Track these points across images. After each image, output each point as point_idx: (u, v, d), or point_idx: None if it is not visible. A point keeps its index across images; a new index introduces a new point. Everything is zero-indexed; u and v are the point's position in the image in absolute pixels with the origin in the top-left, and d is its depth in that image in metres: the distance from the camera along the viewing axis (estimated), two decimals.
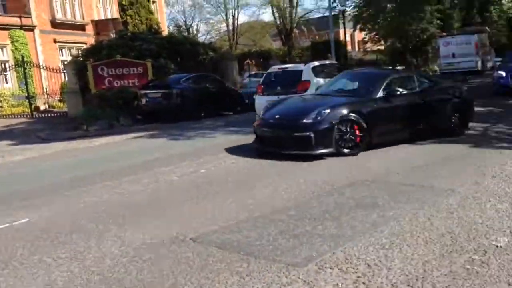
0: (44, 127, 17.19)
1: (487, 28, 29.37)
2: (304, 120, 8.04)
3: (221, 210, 5.50)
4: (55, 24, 29.55)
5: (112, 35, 26.90)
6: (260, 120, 8.98)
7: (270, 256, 4.10)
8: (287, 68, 14.37)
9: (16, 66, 24.21)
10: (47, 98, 25.01)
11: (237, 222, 5.06)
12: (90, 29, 32.02)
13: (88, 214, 5.63)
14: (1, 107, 22.52)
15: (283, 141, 8.20)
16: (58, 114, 21.21)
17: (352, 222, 4.86)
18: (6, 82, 25.68)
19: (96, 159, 9.36)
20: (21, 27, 27.12)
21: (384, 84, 8.82)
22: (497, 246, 4.07)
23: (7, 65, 25.51)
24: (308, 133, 7.87)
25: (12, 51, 26.43)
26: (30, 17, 27.85)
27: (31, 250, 4.56)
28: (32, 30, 27.99)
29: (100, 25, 32.23)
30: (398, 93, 8.93)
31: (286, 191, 6.18)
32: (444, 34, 26.01)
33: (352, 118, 8.04)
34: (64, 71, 21.75)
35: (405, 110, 8.81)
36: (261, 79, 14.59)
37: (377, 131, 8.37)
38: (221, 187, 6.57)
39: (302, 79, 12.79)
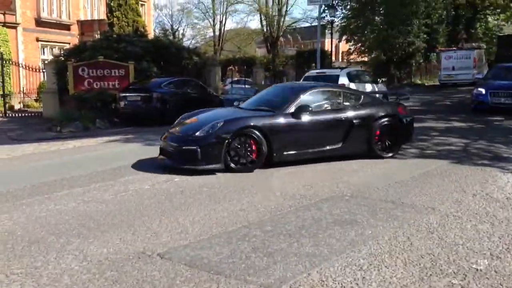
0: (16, 127, 16.69)
1: (484, 45, 30.78)
2: (196, 133, 7.80)
3: (193, 223, 5.23)
4: (39, 22, 29.10)
5: (97, 36, 26.50)
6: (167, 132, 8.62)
7: (242, 276, 3.86)
8: (324, 72, 17.05)
9: None
10: (23, 97, 24.44)
11: (210, 237, 4.80)
12: (75, 29, 31.60)
13: (50, 224, 5.29)
14: None
15: (174, 154, 7.93)
16: (33, 114, 20.69)
17: (329, 240, 4.66)
18: None
19: (66, 163, 8.97)
20: (4, 24, 26.60)
21: (299, 99, 8.45)
22: (477, 270, 3.95)
23: None
24: (194, 147, 7.59)
25: None
26: (15, 15, 27.36)
27: None
28: (15, 27, 27.50)
29: (85, 26, 31.82)
30: (311, 108, 8.34)
31: (262, 203, 5.95)
32: (453, 48, 27.06)
33: (247, 133, 7.72)
34: (44, 70, 21.28)
35: (318, 127, 8.38)
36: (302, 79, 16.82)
37: (281, 148, 7.99)
38: (195, 197, 6.30)
39: (339, 83, 14.93)
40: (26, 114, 20.76)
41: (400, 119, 9.06)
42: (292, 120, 8.16)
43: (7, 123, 18.29)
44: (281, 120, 8.11)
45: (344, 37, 29.70)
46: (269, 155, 7.86)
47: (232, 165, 7.67)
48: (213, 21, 52.89)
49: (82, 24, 32.04)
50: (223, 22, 52.63)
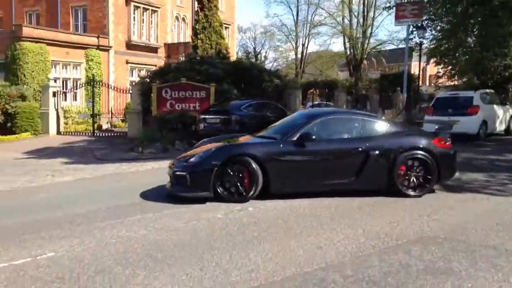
0: (103, 146, 17.27)
1: None
2: (191, 159, 7.51)
3: (265, 261, 4.79)
4: (129, 45, 30.56)
5: (182, 58, 27.28)
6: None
7: None
8: (458, 94, 17.77)
9: (86, 84, 24.93)
10: (111, 117, 25.53)
11: (282, 279, 4.34)
12: (162, 51, 32.88)
13: (118, 252, 5.07)
14: (66, 123, 23.11)
15: (171, 179, 7.69)
16: (119, 134, 21.46)
17: None
18: (75, 100, 26.54)
19: (142, 185, 8.90)
20: (98, 47, 28.18)
21: (307, 126, 7.78)
22: None
23: (78, 82, 26.37)
24: (184, 173, 7.33)
25: (86, 69, 27.42)
26: (108, 38, 28.95)
27: None
28: (107, 50, 29.05)
29: (171, 48, 33.05)
30: (314, 137, 7.57)
31: (341, 242, 5.39)
32: None
33: (239, 160, 7.23)
34: (131, 91, 22.16)
35: (325, 158, 7.66)
36: (432, 102, 17.91)
37: (279, 178, 7.38)
38: (269, 231, 5.85)
39: (473, 104, 16.21)
40: (113, 134, 21.58)
41: (434, 153, 7.82)
42: (292, 148, 7.54)
43: (94, 142, 19.03)
44: (281, 148, 7.54)
45: (432, 60, 28.29)
46: (265, 185, 7.33)
47: (221, 193, 7.23)
48: (296, 43, 52.92)
49: (169, 46, 33.27)
50: (306, 45, 52.55)
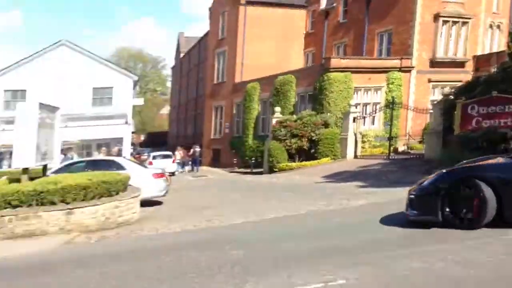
0: (395, 169, 16.72)
1: None
2: (424, 182, 7.22)
3: None
4: (433, 63, 29.24)
5: (493, 70, 24.58)
6: None
7: None
8: None
9: (385, 108, 24.91)
10: (408, 139, 24.76)
11: None
12: (469, 65, 30.39)
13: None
14: (363, 147, 23.47)
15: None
16: (414, 156, 20.70)
17: None
18: (373, 124, 26.79)
19: None
20: (400, 69, 28.01)
21: None
22: None
23: (377, 106, 26.59)
24: (412, 196, 7.18)
25: (386, 93, 27.47)
26: (410, 58, 28.50)
27: None
28: (409, 71, 28.53)
29: (480, 60, 30.09)
30: None
31: None
32: None
33: (468, 184, 6.61)
34: (431, 111, 21.00)
35: None
36: None
37: None
38: None
39: None
40: (408, 156, 20.87)
41: None
42: None
43: (389, 165, 18.77)
44: None
45: None
46: (499, 212, 6.38)
47: (449, 218, 6.64)
48: None
49: (478, 59, 30.37)
50: None
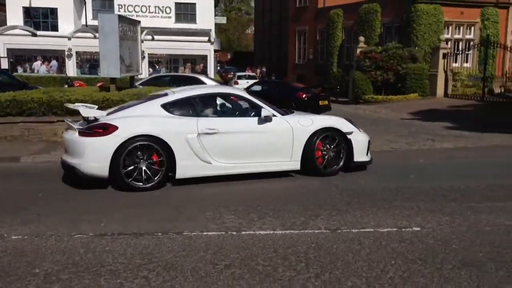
0: (492, 112, 15.73)
1: None
2: None
3: None
4: None
5: None
6: None
7: None
8: None
9: (480, 46, 23.25)
10: (505, 81, 23.09)
11: None
12: None
13: (492, 246, 4.24)
14: (455, 86, 22.21)
15: None
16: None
17: None
18: (466, 62, 25.16)
19: None
20: (496, 4, 25.74)
21: None
22: None
23: (471, 44, 24.88)
24: None
25: (480, 29, 25.53)
26: None
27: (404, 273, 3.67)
28: (507, 7, 26.18)
29: None
30: None
31: None
32: None
33: None
34: None
35: None
36: None
37: None
38: None
39: None
40: (503, 99, 19.50)
41: None
42: None
43: (484, 107, 17.70)
44: None
45: None
46: None
47: None
48: None
49: None
50: None
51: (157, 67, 27.18)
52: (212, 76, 23.85)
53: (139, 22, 12.69)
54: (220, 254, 4.04)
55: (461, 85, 22.60)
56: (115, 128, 6.09)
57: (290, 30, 37.00)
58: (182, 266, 3.79)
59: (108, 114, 6.58)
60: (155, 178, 6.19)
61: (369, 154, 7.40)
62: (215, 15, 35.14)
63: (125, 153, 6.05)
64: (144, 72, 22.14)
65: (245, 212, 5.21)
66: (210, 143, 6.41)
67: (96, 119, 6.37)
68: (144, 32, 23.41)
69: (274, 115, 6.81)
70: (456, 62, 23.88)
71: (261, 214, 5.14)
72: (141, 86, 12.30)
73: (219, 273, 3.67)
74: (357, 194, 6.02)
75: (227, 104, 7.38)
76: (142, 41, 14.79)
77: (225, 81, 26.62)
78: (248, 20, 78.21)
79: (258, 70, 32.80)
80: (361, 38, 24.76)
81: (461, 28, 25.39)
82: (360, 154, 7.17)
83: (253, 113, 6.94)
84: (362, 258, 3.96)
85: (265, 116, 6.70)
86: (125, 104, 7.67)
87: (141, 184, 6.15)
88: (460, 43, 25.12)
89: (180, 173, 6.36)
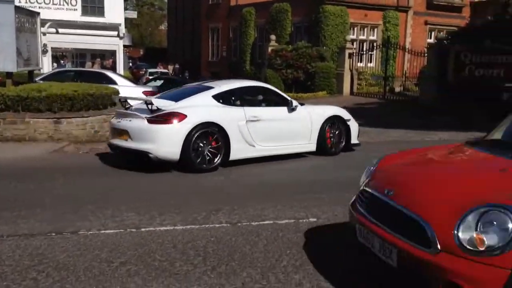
0: (390, 110, 16.73)
1: None
2: None
3: None
4: (430, 5, 28.73)
5: (489, 18, 24.08)
6: None
7: None
8: None
9: (382, 47, 24.63)
10: (404, 80, 24.68)
11: None
12: (466, 11, 29.84)
13: None
14: (360, 85, 23.37)
15: None
16: (410, 98, 20.58)
17: None
18: (370, 62, 26.54)
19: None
20: (397, 8, 27.39)
21: None
22: None
23: (374, 44, 26.26)
24: None
25: (382, 31, 27.03)
26: None
27: None
28: (406, 11, 27.97)
29: (478, 7, 29.46)
30: None
31: None
32: None
33: None
34: (426, 54, 20.83)
35: None
36: None
37: None
38: None
39: None
40: (404, 98, 20.88)
41: None
42: None
43: (384, 105, 18.72)
44: None
45: None
46: None
47: None
48: None
49: (475, 5, 29.81)
50: None
51: (62, 61, 25.85)
52: (121, 72, 23.17)
53: (38, 13, 12.09)
54: (117, 251, 3.96)
55: (366, 83, 23.83)
56: (184, 116, 6.80)
57: (203, 27, 36.86)
58: (75, 265, 3.67)
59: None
60: (215, 160, 7.03)
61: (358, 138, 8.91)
62: (126, 9, 34.14)
63: (194, 138, 6.78)
64: (47, 67, 21.05)
65: (146, 209, 5.14)
66: (254, 129, 7.42)
67: (159, 109, 6.93)
68: (47, 25, 22.26)
69: (297, 106, 8.02)
70: (361, 61, 25.11)
71: (162, 210, 5.10)
72: (41, 82, 11.67)
73: (114, 270, 3.60)
74: (258, 188, 6.16)
75: (260, 96, 8.11)
76: (44, 34, 14.02)
77: (136, 78, 25.94)
78: (162, 16, 76.73)
79: (171, 67, 32.32)
80: (273, 37, 25.28)
81: (365, 29, 26.75)
82: (354, 138, 8.76)
83: (282, 103, 8.02)
84: (259, 249, 4.07)
85: (293, 106, 7.91)
86: (164, 93, 8.48)
87: (205, 165, 6.94)
88: (365, 43, 26.46)
89: (233, 155, 7.24)
